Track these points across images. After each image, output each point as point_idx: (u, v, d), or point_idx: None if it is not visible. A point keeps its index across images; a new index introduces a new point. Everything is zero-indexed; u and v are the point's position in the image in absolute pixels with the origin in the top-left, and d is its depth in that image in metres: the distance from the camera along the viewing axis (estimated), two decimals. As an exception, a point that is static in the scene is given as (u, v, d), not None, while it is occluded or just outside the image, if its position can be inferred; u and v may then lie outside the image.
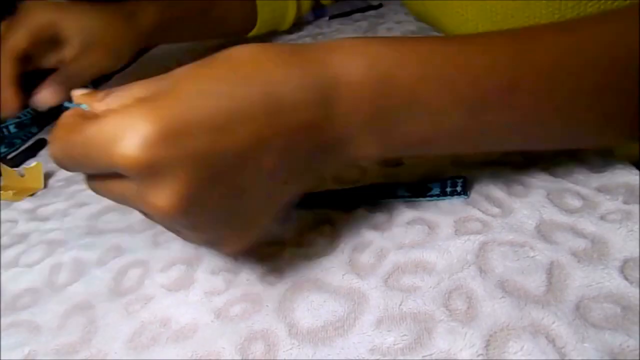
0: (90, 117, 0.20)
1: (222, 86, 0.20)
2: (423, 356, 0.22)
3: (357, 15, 0.86)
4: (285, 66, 0.21)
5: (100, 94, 0.22)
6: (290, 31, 0.74)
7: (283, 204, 0.24)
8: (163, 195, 0.19)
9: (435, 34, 0.61)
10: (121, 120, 0.19)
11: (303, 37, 0.77)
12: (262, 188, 0.22)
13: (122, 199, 0.22)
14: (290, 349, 0.24)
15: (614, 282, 0.24)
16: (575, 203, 0.30)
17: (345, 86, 0.22)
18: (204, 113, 0.19)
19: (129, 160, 0.18)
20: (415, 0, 0.59)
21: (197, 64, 0.22)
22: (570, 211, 0.29)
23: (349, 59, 0.22)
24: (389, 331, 0.23)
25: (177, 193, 0.19)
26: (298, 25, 0.76)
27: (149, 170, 0.18)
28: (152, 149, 0.18)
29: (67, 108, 0.23)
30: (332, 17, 0.87)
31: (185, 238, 0.24)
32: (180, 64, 0.23)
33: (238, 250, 0.23)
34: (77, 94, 0.23)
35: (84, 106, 0.23)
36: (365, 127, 0.23)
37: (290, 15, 0.67)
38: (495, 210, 0.30)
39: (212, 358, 0.24)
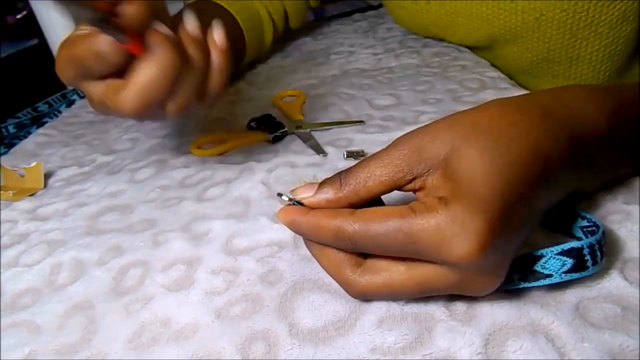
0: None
1: (502, 157, 0.22)
2: (423, 355, 0.22)
3: (357, 15, 0.86)
4: (543, 125, 0.23)
5: (337, 183, 0.24)
6: (290, 31, 0.74)
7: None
8: (467, 242, 0.20)
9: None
10: (450, 221, 0.20)
11: (303, 37, 0.77)
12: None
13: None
14: (291, 349, 0.24)
15: (613, 282, 0.24)
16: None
17: (587, 135, 0.25)
18: (511, 191, 0.21)
19: (467, 258, 0.20)
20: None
21: (450, 134, 0.23)
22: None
23: (586, 114, 0.25)
24: (389, 331, 0.24)
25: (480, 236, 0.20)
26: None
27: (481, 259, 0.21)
28: (486, 244, 0.20)
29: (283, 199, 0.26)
30: (332, 17, 0.87)
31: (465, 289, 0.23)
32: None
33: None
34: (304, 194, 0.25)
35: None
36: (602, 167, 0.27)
37: (268, 39, 0.66)
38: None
39: (212, 358, 0.24)
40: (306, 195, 0.25)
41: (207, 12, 0.55)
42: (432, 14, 0.60)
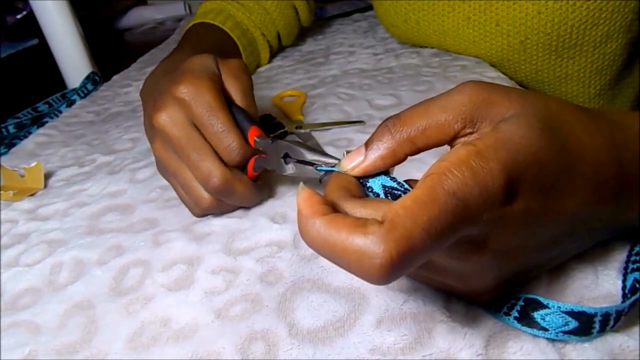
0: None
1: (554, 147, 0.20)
2: (423, 356, 0.22)
3: (357, 15, 0.86)
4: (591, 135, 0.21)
5: (386, 134, 0.21)
6: (283, 48, 0.74)
7: None
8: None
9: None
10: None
11: (303, 37, 0.77)
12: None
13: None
14: (291, 349, 0.24)
15: (613, 282, 0.24)
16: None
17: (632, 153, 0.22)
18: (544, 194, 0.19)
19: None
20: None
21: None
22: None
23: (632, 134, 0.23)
24: (389, 331, 0.23)
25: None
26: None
27: None
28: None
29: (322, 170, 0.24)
30: (332, 17, 0.87)
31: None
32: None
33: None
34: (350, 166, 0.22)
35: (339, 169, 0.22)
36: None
37: (264, 59, 0.68)
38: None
39: (212, 358, 0.24)
40: (356, 162, 0.22)
41: (210, 34, 0.58)
42: (422, 33, 0.62)
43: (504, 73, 0.55)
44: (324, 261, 0.28)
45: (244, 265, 0.29)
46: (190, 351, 0.24)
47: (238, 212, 0.35)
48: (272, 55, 0.70)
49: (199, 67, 0.33)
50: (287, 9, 0.68)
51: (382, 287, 0.26)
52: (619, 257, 0.26)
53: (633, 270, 0.24)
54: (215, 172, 0.31)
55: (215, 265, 0.30)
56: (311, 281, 0.27)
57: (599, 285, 0.24)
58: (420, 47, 0.65)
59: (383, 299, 0.25)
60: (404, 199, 0.18)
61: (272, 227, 0.32)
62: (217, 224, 0.34)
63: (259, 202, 0.35)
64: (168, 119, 0.31)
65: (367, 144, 0.22)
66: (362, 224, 0.18)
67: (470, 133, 0.21)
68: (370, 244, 0.17)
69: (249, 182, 0.33)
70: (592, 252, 0.26)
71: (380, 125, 0.22)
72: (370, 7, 0.86)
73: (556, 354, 0.21)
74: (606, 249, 0.26)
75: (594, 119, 0.22)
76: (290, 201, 0.35)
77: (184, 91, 0.31)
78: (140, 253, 0.32)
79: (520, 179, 0.18)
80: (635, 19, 0.49)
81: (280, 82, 0.60)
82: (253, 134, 0.32)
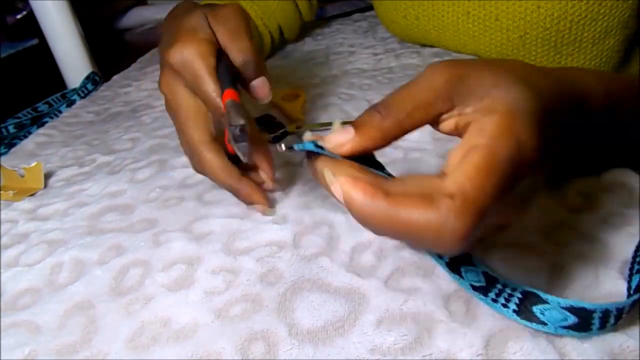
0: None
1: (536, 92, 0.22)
2: (423, 356, 0.22)
3: (357, 15, 0.86)
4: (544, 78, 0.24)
5: (375, 117, 0.22)
6: (286, 42, 0.74)
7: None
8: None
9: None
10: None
11: (303, 37, 0.77)
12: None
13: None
14: (291, 349, 0.24)
15: (613, 282, 0.24)
16: (577, 202, 0.30)
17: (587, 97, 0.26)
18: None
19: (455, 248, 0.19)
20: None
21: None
22: (572, 211, 0.29)
23: (588, 82, 0.27)
24: (389, 331, 0.23)
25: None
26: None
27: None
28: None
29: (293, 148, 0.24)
30: (332, 17, 0.87)
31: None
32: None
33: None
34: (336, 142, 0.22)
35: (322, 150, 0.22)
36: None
37: (266, 51, 0.68)
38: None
39: (212, 358, 0.24)
40: (344, 140, 0.22)
41: None
42: (422, 29, 0.62)
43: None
44: (324, 261, 0.28)
45: (244, 265, 0.29)
46: (190, 351, 0.24)
47: (238, 212, 0.35)
48: (275, 49, 0.70)
49: (191, 29, 0.34)
50: (288, 4, 0.68)
51: (382, 288, 0.26)
52: (619, 257, 0.26)
53: (639, 271, 0.24)
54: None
55: (215, 265, 0.30)
56: (311, 281, 0.27)
57: (600, 285, 0.24)
58: (420, 44, 0.65)
59: (383, 299, 0.25)
60: (466, 171, 0.19)
61: (272, 227, 0.32)
62: (217, 224, 0.34)
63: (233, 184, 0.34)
64: (166, 84, 0.34)
65: (356, 126, 0.22)
66: (429, 200, 0.19)
67: (451, 109, 0.22)
68: (450, 219, 0.18)
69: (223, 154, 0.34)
70: (592, 252, 0.26)
71: (368, 109, 0.23)
72: (370, 7, 0.86)
73: (556, 354, 0.21)
74: (606, 249, 0.26)
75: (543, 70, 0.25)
76: (290, 201, 0.35)
77: (174, 60, 0.33)
78: (140, 253, 0.32)
79: (544, 126, 0.21)
80: (632, 15, 0.50)
81: (280, 82, 0.60)
82: (225, 98, 0.31)
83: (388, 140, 0.22)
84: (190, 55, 0.32)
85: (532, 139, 0.20)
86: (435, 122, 0.23)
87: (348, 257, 0.29)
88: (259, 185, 0.35)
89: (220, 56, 0.33)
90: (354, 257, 0.29)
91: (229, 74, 0.32)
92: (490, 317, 0.23)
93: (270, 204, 0.34)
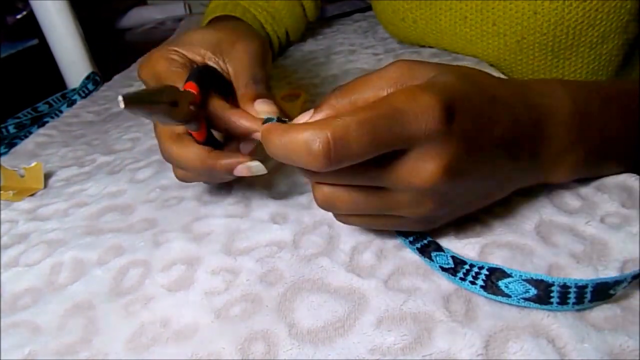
0: None
1: (475, 86, 0.25)
2: (423, 356, 0.22)
3: (357, 15, 0.86)
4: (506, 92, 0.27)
5: (332, 101, 0.25)
6: (291, 43, 0.74)
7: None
8: (430, 168, 0.23)
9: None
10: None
11: (303, 37, 0.77)
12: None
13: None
14: (291, 349, 0.24)
15: (613, 282, 0.24)
16: (575, 204, 0.30)
17: (554, 116, 0.28)
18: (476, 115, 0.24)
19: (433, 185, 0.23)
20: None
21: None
22: (569, 212, 0.29)
23: (552, 91, 0.29)
24: (389, 331, 0.23)
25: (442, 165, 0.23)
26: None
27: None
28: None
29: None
30: (332, 17, 0.87)
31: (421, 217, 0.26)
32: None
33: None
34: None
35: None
36: (563, 151, 0.28)
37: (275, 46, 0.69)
38: (495, 210, 0.30)
39: (212, 358, 0.24)
40: (304, 119, 0.25)
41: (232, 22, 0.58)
42: (419, 32, 0.62)
43: (503, 73, 0.55)
44: (324, 261, 0.28)
45: (244, 266, 0.29)
46: (190, 351, 0.24)
47: (238, 212, 0.35)
48: (281, 53, 0.71)
49: (165, 45, 0.35)
50: (296, 7, 0.69)
51: (382, 288, 0.26)
52: (619, 257, 0.26)
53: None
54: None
55: (215, 266, 0.30)
56: (311, 281, 0.27)
57: (599, 285, 0.24)
58: (419, 46, 0.65)
59: (383, 299, 0.25)
60: (354, 111, 0.22)
61: (272, 227, 0.32)
62: (217, 224, 0.34)
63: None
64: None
65: (316, 109, 0.25)
66: (311, 123, 0.22)
67: None
68: (313, 131, 0.21)
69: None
70: (592, 251, 0.26)
71: (328, 94, 0.26)
72: (370, 7, 0.86)
73: (556, 354, 0.21)
74: (606, 249, 0.26)
75: (503, 80, 0.28)
76: (290, 201, 0.35)
77: (144, 76, 0.34)
78: (140, 253, 0.32)
79: (454, 105, 0.23)
80: (631, 20, 0.49)
81: (280, 82, 0.60)
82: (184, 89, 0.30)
83: None
84: (158, 64, 0.33)
85: (435, 109, 0.22)
86: None
87: (348, 257, 0.29)
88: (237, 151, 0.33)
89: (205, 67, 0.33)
90: (353, 257, 0.29)
91: (204, 76, 0.32)
92: (490, 317, 0.23)
93: (253, 158, 0.31)
